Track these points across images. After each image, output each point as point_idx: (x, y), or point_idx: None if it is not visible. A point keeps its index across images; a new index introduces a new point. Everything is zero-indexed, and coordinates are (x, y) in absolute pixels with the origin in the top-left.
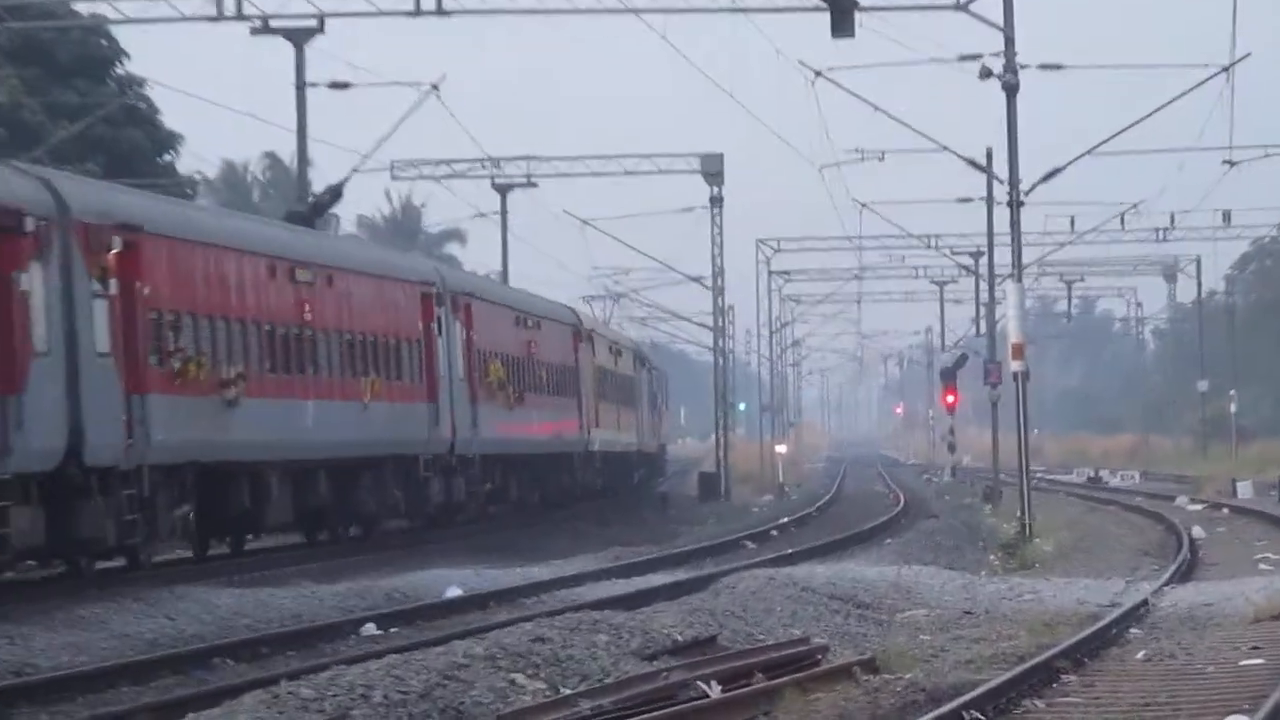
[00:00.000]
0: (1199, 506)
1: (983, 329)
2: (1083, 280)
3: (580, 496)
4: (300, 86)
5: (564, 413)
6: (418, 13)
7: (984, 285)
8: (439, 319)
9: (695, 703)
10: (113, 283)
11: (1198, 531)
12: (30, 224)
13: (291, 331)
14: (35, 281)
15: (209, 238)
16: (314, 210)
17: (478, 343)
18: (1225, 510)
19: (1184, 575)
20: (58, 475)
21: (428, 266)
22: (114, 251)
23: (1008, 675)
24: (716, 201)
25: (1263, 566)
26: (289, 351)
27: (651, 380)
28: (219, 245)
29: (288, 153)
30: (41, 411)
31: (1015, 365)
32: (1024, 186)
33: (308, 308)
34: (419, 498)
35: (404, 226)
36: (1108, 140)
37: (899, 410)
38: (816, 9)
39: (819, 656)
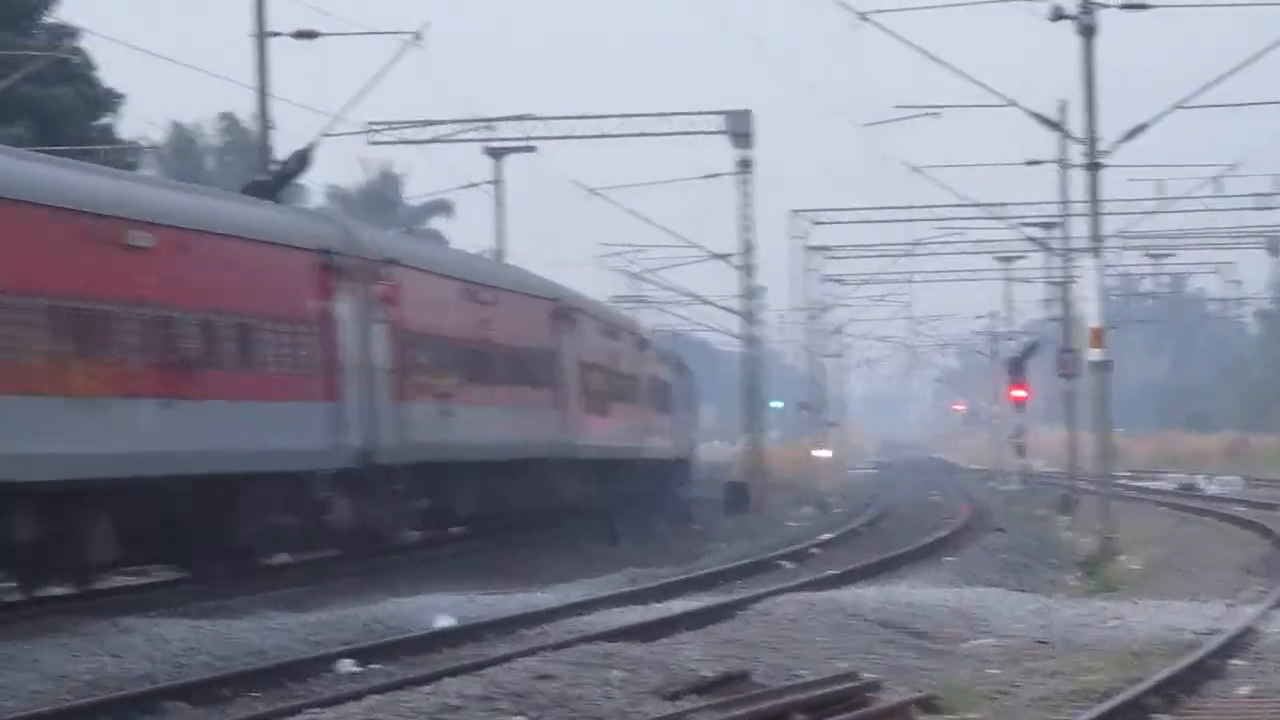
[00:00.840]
0: None
1: (1056, 312)
2: (1172, 255)
3: (563, 512)
4: (260, 36)
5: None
6: None
7: (1057, 261)
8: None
9: None
10: (388, 307)
11: None
12: (340, 261)
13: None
14: (344, 309)
15: (431, 267)
16: (278, 180)
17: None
18: None
19: None
20: (355, 472)
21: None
22: (388, 282)
23: (1089, 715)
24: (745, 166)
25: None
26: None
27: (669, 372)
28: (435, 272)
29: (246, 113)
30: (352, 418)
31: (1094, 354)
32: (1103, 146)
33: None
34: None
35: (382, 198)
36: (1201, 91)
37: (958, 407)
38: None
39: (868, 695)
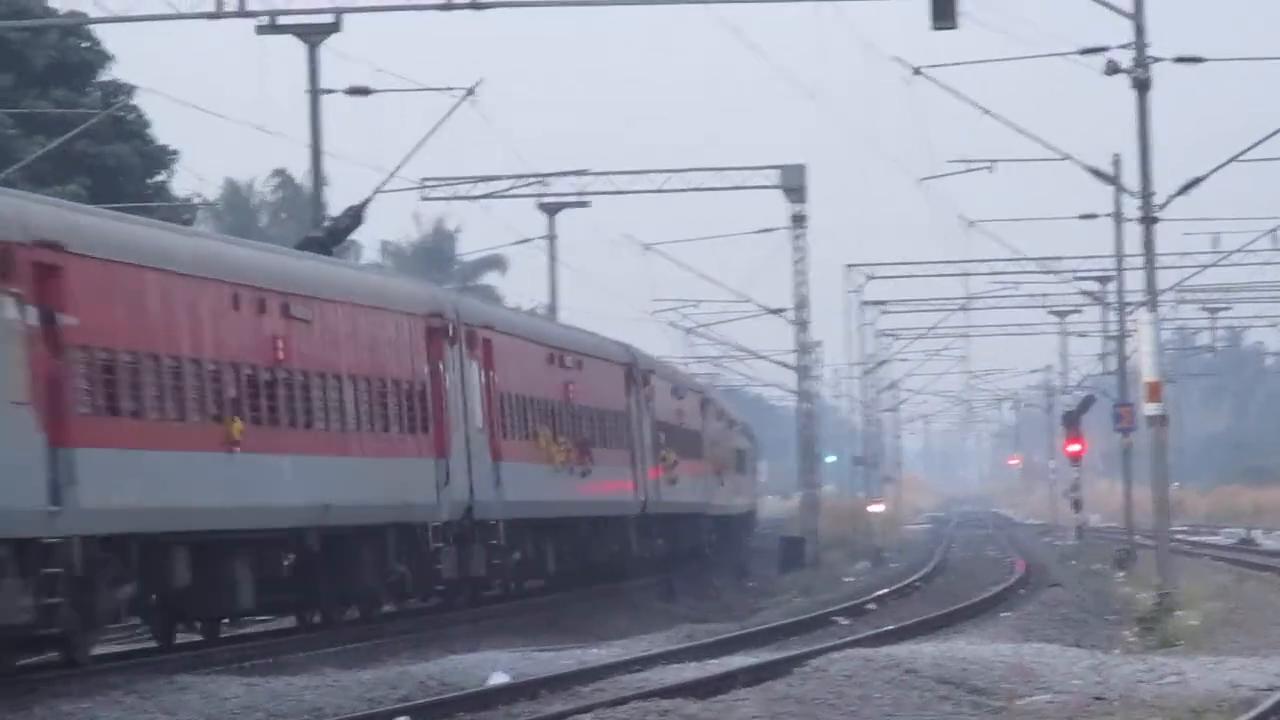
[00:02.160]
0: None
1: (1112, 366)
2: (1229, 308)
3: (637, 568)
4: (314, 93)
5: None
6: (449, 6)
7: (1113, 315)
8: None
9: None
10: (485, 371)
11: None
12: (450, 328)
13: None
14: (449, 370)
15: (523, 333)
16: (332, 236)
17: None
18: None
19: None
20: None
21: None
22: (485, 345)
23: None
24: (799, 221)
25: None
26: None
27: (732, 431)
28: (525, 337)
29: (300, 170)
30: (457, 474)
31: (1151, 408)
32: (1158, 199)
33: None
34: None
35: (436, 253)
36: (1257, 145)
37: (1014, 461)
38: None
39: None
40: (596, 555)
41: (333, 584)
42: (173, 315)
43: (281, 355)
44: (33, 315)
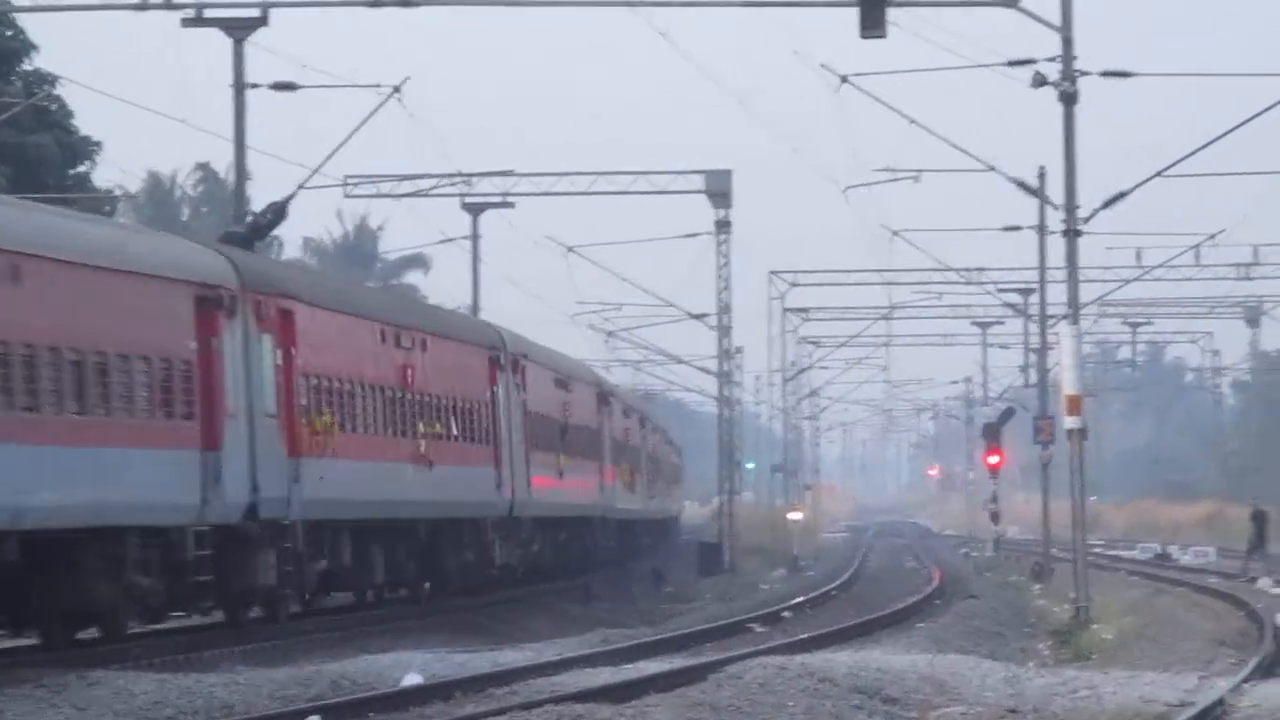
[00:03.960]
0: None
1: (1032, 379)
2: (1150, 323)
3: (502, 576)
4: (239, 87)
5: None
6: (377, 3)
7: (1034, 328)
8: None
9: None
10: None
11: None
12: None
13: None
14: (501, 393)
15: (545, 361)
16: (254, 231)
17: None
18: None
19: (1267, 670)
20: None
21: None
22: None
23: None
24: (723, 226)
25: None
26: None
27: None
28: (546, 365)
29: (224, 164)
30: (506, 479)
31: (1070, 421)
32: (1082, 213)
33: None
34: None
35: (358, 251)
36: (1181, 160)
37: (933, 472)
38: (842, 2)
39: None
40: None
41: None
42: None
43: None
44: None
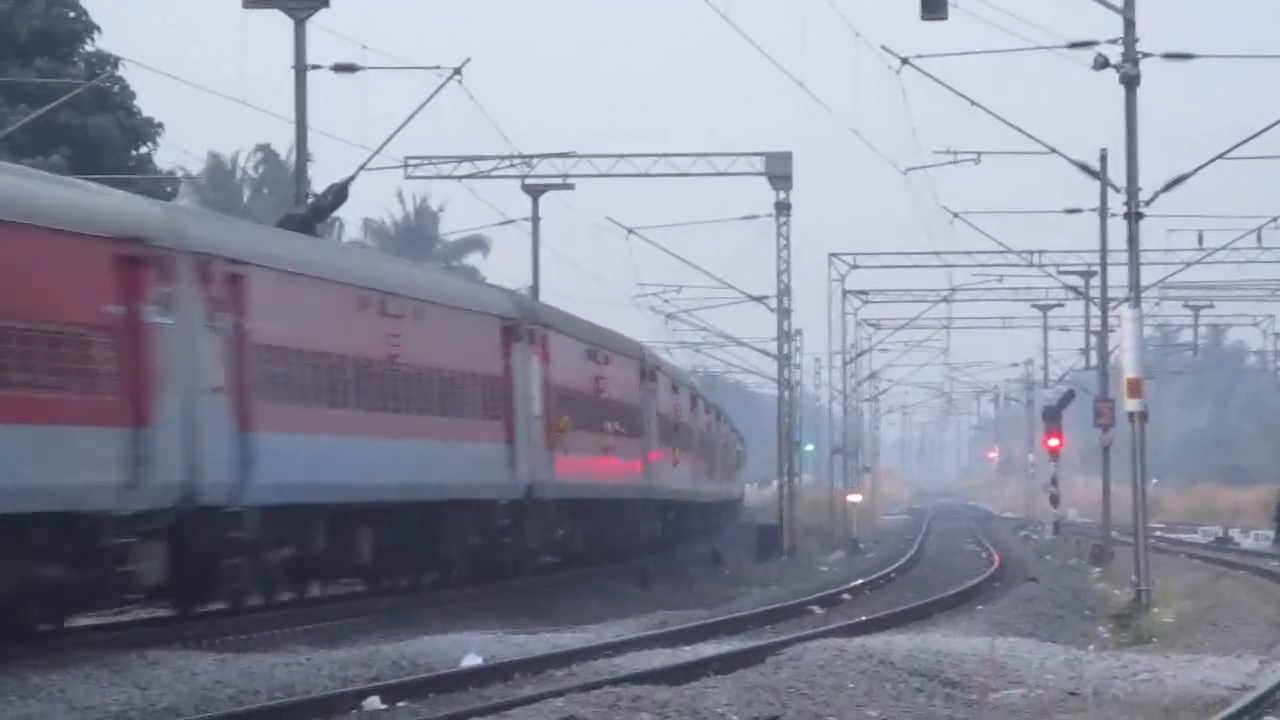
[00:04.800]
0: None
1: (1093, 361)
2: (1211, 306)
3: (643, 548)
4: (300, 69)
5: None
6: None
7: (1095, 310)
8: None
9: None
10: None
11: None
12: (515, 327)
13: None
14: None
15: (571, 331)
16: (314, 213)
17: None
18: None
19: None
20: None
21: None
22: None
23: None
24: (783, 208)
25: None
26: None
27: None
28: (573, 335)
29: (284, 145)
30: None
31: (1131, 404)
32: (1144, 195)
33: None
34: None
35: (419, 232)
36: (1244, 142)
37: (993, 455)
38: None
39: None
40: (448, 548)
41: (418, 553)
42: None
43: None
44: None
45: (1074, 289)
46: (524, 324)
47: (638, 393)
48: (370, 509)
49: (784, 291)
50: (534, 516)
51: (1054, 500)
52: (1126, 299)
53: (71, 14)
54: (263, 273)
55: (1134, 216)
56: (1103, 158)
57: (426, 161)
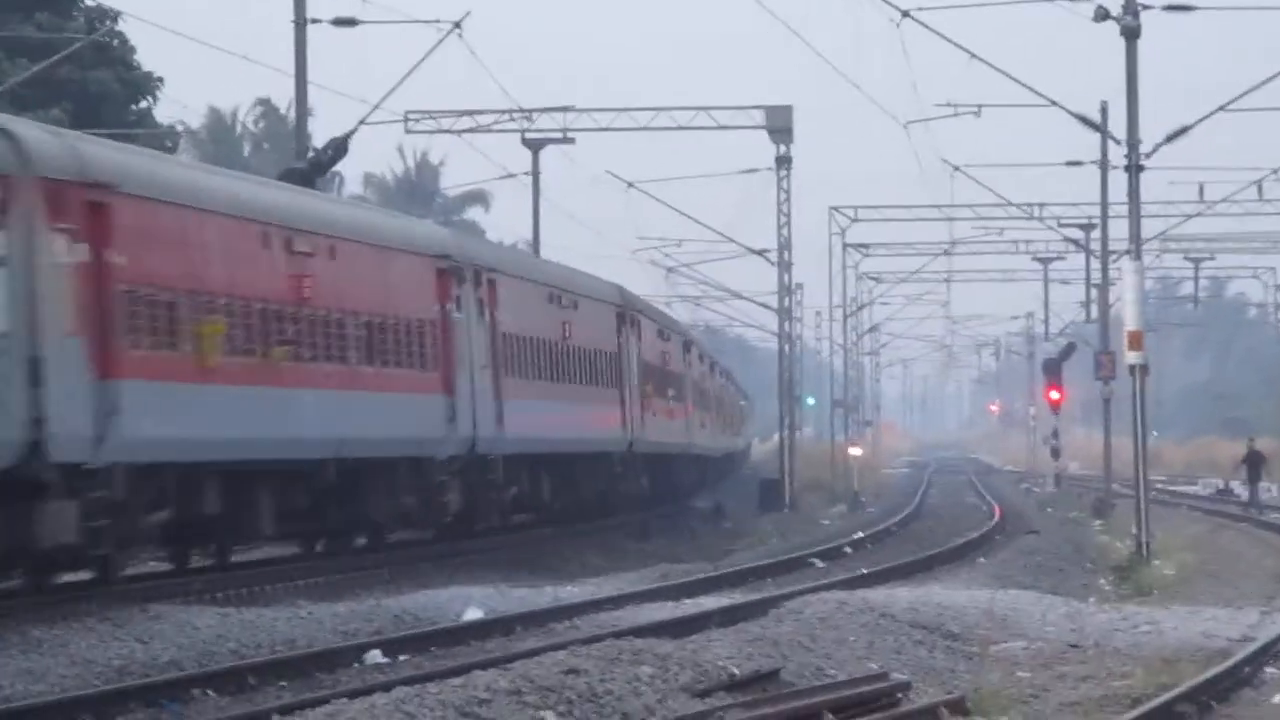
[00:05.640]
0: None
1: (1094, 314)
2: (1212, 258)
3: (622, 504)
4: (300, 22)
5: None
6: None
7: (1096, 263)
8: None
9: None
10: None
11: None
12: (454, 267)
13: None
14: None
15: (524, 273)
16: (315, 167)
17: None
18: None
19: None
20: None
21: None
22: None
23: None
24: (784, 162)
25: None
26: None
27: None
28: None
29: (285, 100)
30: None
31: (1132, 357)
32: (1144, 148)
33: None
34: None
35: (419, 187)
36: (1245, 94)
37: (994, 408)
38: None
39: (899, 695)
40: (374, 508)
41: (344, 513)
42: None
43: None
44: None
45: (1075, 242)
46: (466, 265)
47: (614, 339)
48: (270, 467)
49: (784, 245)
50: (478, 473)
51: (1055, 453)
52: (1127, 251)
53: None
54: (135, 202)
55: (1135, 169)
56: (1103, 110)
57: (426, 116)
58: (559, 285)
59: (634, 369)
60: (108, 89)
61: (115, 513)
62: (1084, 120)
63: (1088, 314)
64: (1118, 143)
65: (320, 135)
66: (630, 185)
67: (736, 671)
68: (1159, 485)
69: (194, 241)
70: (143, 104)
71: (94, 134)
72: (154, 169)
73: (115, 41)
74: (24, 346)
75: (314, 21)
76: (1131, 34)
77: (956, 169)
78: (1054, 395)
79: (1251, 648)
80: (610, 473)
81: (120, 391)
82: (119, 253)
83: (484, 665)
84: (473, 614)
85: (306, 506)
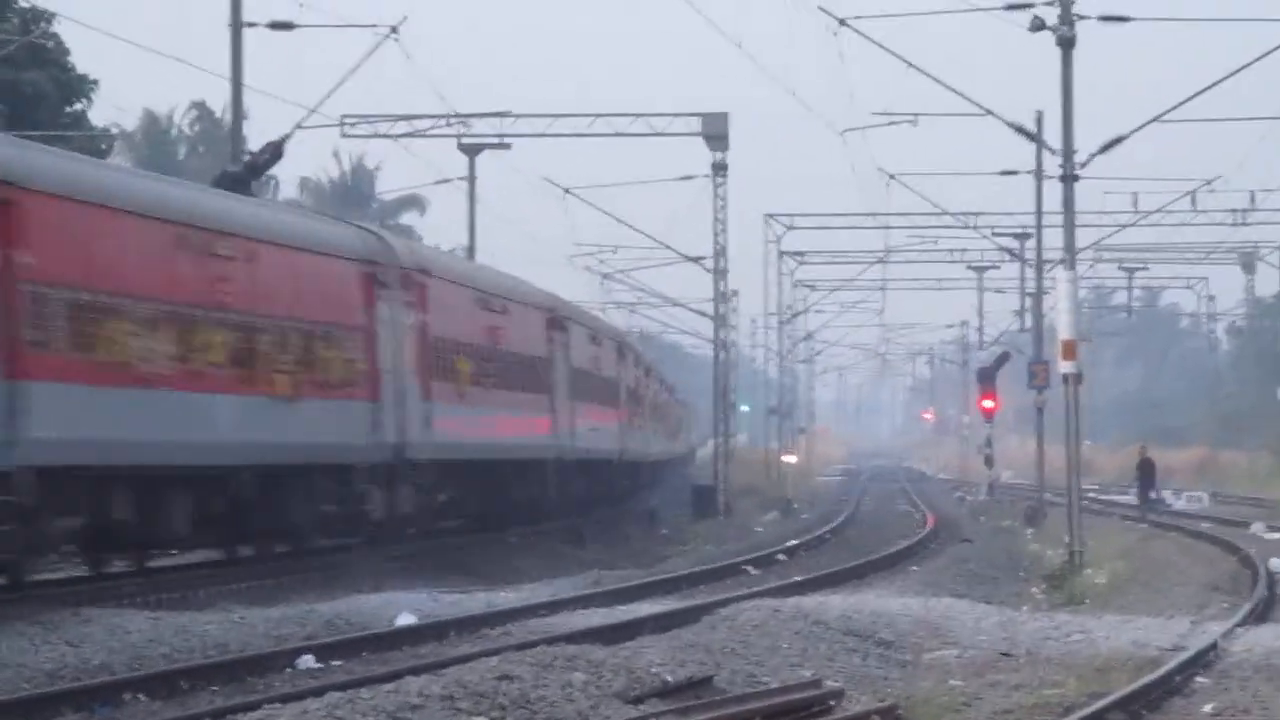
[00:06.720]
0: (1278, 535)
1: (1028, 323)
2: (1146, 268)
3: (555, 511)
4: (236, 26)
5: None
6: None
7: (1030, 272)
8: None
9: None
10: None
11: (1276, 564)
12: (381, 272)
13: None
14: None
15: (455, 278)
16: (250, 171)
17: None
18: None
19: (1260, 615)
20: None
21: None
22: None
23: None
24: (720, 169)
25: None
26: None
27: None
28: (458, 282)
29: (220, 103)
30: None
31: (1065, 366)
32: (1079, 158)
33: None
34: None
35: (354, 191)
36: (1179, 105)
37: (928, 416)
38: None
39: (832, 703)
40: (293, 515)
41: (264, 520)
42: None
43: None
44: None
45: (1009, 251)
46: (393, 269)
47: (544, 345)
48: (186, 473)
49: (720, 252)
50: (404, 480)
51: (988, 461)
52: (1061, 261)
53: None
54: (43, 200)
55: (1070, 179)
56: (1038, 120)
57: (363, 120)
58: (489, 290)
59: (565, 375)
60: (42, 90)
61: (22, 517)
62: (1019, 130)
63: (1022, 323)
64: (1053, 152)
65: (256, 139)
66: (567, 191)
67: (670, 678)
68: (1091, 494)
69: (106, 242)
70: (78, 106)
71: (27, 136)
72: (63, 168)
73: (50, 43)
74: None
75: (250, 25)
76: (1067, 44)
77: (892, 177)
78: (988, 404)
79: (1182, 656)
80: (542, 478)
81: (27, 392)
82: (26, 252)
83: (417, 671)
84: (405, 619)
85: (223, 512)
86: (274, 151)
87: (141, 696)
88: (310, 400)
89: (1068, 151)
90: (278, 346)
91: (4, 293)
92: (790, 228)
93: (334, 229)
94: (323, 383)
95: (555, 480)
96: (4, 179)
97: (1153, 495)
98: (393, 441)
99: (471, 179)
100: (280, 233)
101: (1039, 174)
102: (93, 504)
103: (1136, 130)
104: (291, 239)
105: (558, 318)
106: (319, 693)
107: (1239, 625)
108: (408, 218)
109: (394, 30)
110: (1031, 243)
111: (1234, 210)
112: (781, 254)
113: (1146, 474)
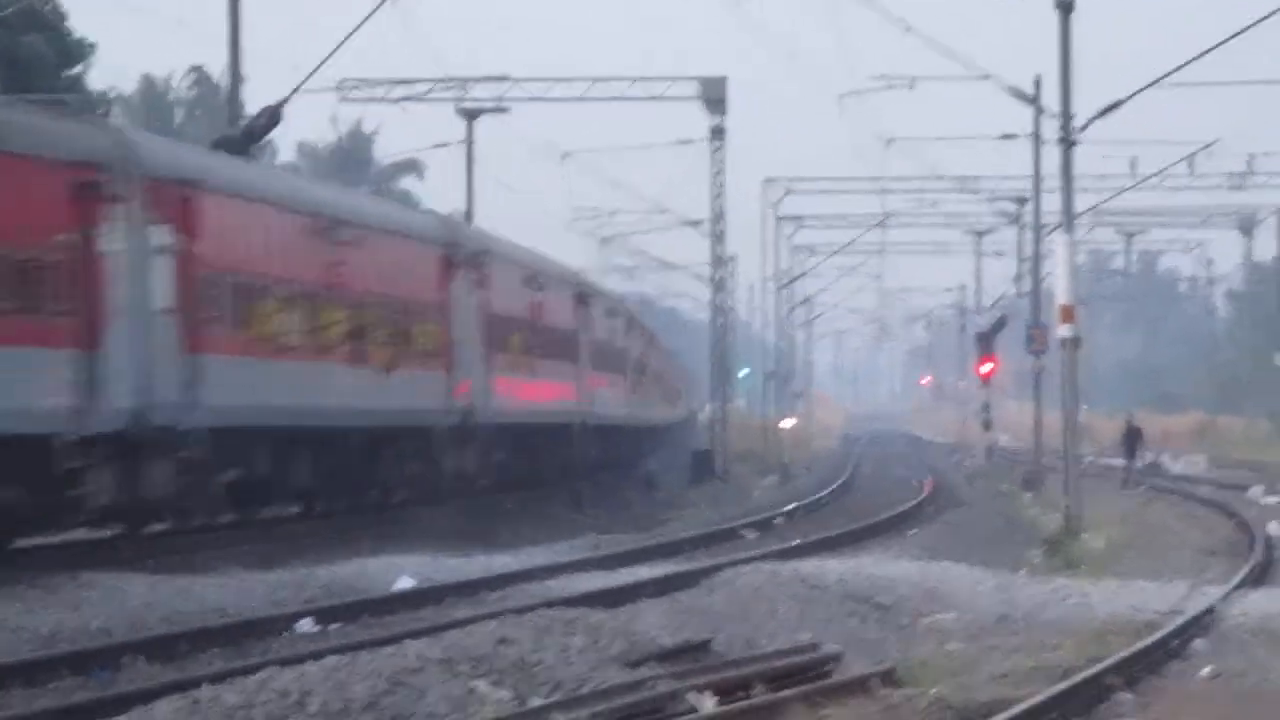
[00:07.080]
0: (1275, 499)
1: (1026, 287)
2: (1144, 233)
3: (580, 472)
4: None
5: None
6: None
7: (1028, 236)
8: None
9: (685, 717)
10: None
11: (1274, 529)
12: (460, 256)
13: None
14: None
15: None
16: (248, 135)
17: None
18: None
19: (1257, 579)
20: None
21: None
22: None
23: (1050, 692)
24: (718, 133)
25: None
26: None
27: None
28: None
29: (218, 67)
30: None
31: (1063, 330)
32: (1077, 122)
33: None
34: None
35: (352, 156)
36: (1178, 69)
37: (926, 381)
38: None
39: (830, 666)
40: (387, 473)
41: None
42: None
43: None
44: None
45: (1007, 215)
46: (462, 251)
47: (573, 319)
48: (311, 434)
49: (718, 217)
50: (473, 441)
51: (986, 426)
52: (1060, 225)
53: None
54: (212, 198)
55: (1068, 143)
56: (1037, 84)
57: (361, 84)
58: (532, 268)
59: (588, 346)
60: (39, 55)
61: (200, 471)
62: (1017, 94)
63: (1020, 287)
64: (1051, 116)
65: (254, 103)
66: (565, 155)
67: (668, 642)
68: (1089, 459)
69: (256, 232)
70: (75, 70)
71: (24, 100)
72: (223, 169)
73: (47, 7)
74: (135, 323)
75: None
76: (1066, 8)
77: (890, 142)
78: (986, 368)
79: (1180, 620)
80: (569, 441)
81: (203, 364)
82: (202, 243)
83: (415, 634)
84: (404, 583)
85: (333, 470)
86: (271, 116)
87: (141, 659)
88: (403, 370)
89: (1066, 116)
90: (380, 323)
91: (187, 278)
92: (789, 192)
93: (418, 216)
94: (411, 354)
95: (579, 444)
96: (187, 181)
97: (1138, 464)
98: (464, 406)
99: (470, 143)
100: (382, 220)
101: (1037, 138)
102: (243, 460)
103: (1135, 94)
104: (389, 225)
105: (583, 294)
106: (318, 656)
107: (1236, 589)
108: (406, 182)
109: None
110: (1029, 207)
111: (1232, 174)
112: (780, 218)
113: (1132, 442)
